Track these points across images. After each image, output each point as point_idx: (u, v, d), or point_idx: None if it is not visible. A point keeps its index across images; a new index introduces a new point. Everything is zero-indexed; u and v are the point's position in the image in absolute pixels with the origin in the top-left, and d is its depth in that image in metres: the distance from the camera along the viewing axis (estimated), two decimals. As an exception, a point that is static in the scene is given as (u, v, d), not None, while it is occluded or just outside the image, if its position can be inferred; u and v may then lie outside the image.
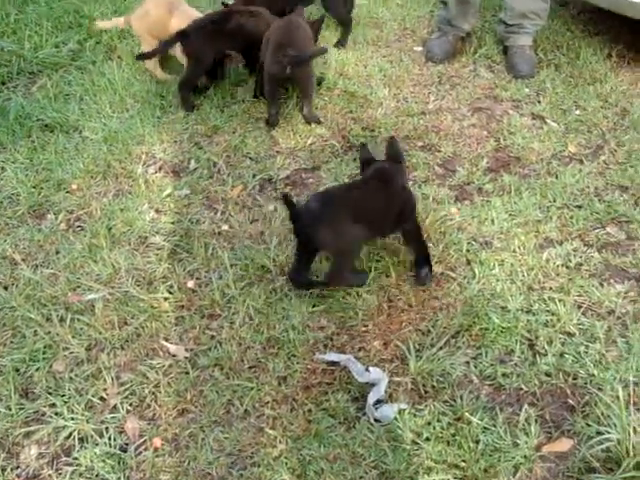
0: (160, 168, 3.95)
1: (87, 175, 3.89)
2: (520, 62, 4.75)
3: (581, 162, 3.92)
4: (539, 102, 4.45)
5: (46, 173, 3.93)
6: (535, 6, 4.73)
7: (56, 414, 2.71)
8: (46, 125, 4.33)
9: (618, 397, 2.55)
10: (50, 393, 2.79)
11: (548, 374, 2.77)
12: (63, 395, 2.78)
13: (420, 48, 5.08)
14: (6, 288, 3.25)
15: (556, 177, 3.79)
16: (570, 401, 2.68)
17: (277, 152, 4.03)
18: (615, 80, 4.64)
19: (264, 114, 4.28)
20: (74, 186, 3.83)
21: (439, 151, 3.99)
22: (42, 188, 3.84)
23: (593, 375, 2.74)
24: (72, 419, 2.68)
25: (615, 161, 3.92)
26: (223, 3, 4.87)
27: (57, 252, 3.44)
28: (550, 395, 2.71)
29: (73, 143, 4.16)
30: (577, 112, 4.35)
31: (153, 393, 2.77)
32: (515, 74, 4.73)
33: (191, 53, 4.35)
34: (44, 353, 2.94)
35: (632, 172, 3.81)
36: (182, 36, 4.24)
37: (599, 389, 2.68)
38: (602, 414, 2.57)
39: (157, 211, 3.65)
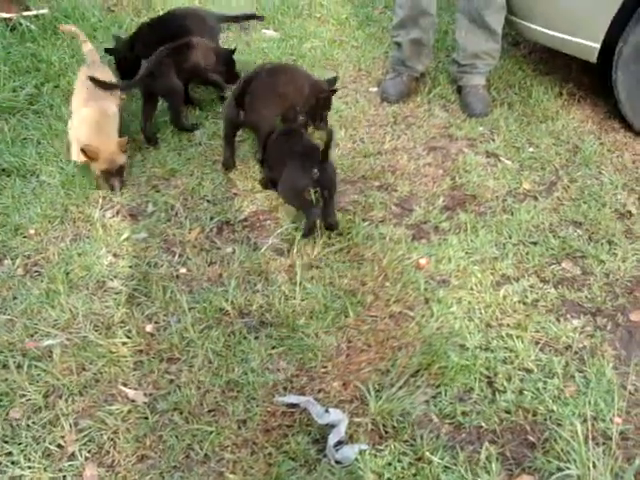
0: (118, 212, 3.94)
1: (45, 220, 3.86)
2: (474, 101, 4.84)
3: (535, 199, 3.99)
4: (493, 140, 4.52)
5: (3, 218, 3.89)
6: (487, 47, 4.81)
7: (12, 463, 2.66)
8: (3, 169, 4.30)
9: (577, 432, 2.58)
10: (6, 441, 2.74)
11: (508, 411, 2.79)
12: (20, 443, 2.73)
13: (375, 89, 5.14)
14: (-38, 335, 3.22)
15: (511, 214, 3.85)
16: (530, 438, 2.70)
17: (235, 194, 4.04)
18: (566, 118, 4.74)
19: (221, 157, 4.29)
20: (31, 231, 3.80)
21: (395, 190, 4.03)
22: (-1, 233, 3.81)
23: (552, 411, 2.77)
24: (29, 468, 2.64)
25: (569, 197, 3.99)
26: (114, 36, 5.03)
27: (14, 297, 3.41)
28: (510, 432, 2.73)
29: (30, 187, 4.13)
30: (530, 149, 4.43)
31: (112, 439, 2.74)
32: (469, 113, 4.81)
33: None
34: (0, 400, 2.89)
35: (585, 208, 3.88)
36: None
37: (558, 425, 2.71)
38: (562, 450, 2.60)
39: (115, 255, 3.63)
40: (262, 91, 4.04)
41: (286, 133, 3.99)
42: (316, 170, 3.51)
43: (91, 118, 4.15)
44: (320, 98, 4.33)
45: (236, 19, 5.70)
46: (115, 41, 5.11)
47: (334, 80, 4.50)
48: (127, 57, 4.93)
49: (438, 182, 4.11)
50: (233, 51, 4.81)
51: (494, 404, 2.82)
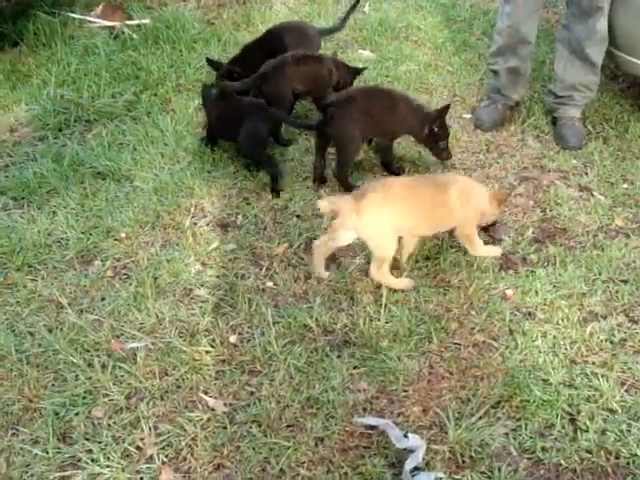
0: (208, 222, 4.00)
1: (136, 224, 3.94)
2: (569, 134, 4.77)
3: (627, 236, 3.90)
4: (586, 174, 4.44)
5: (96, 220, 4.00)
6: (585, 79, 4.75)
7: (92, 460, 2.73)
8: (99, 173, 4.42)
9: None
10: (87, 439, 2.82)
11: (589, 451, 2.73)
12: (100, 442, 2.80)
13: (469, 115, 5.11)
14: (50, 331, 3.30)
15: (602, 250, 3.77)
16: (611, 480, 2.64)
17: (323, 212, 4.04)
18: (664, 155, 4.63)
19: (311, 173, 4.34)
20: (122, 234, 3.89)
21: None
22: (91, 234, 3.90)
23: (636, 455, 2.70)
24: (108, 467, 2.70)
25: (662, 237, 3.90)
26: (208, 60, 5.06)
27: (102, 298, 3.49)
28: (591, 473, 2.67)
29: (124, 192, 4.23)
30: (625, 186, 4.34)
31: (190, 446, 2.78)
32: (563, 145, 4.74)
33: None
34: (84, 398, 2.97)
35: (679, 248, 3.79)
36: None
37: (642, 470, 2.65)
38: (644, 496, 2.54)
39: (203, 264, 3.69)
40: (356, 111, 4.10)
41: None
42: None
43: None
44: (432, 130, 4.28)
45: (335, 29, 5.67)
46: (210, 64, 5.15)
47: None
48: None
49: (528, 213, 4.06)
50: (362, 70, 4.92)
51: (575, 442, 2.77)
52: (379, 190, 3.43)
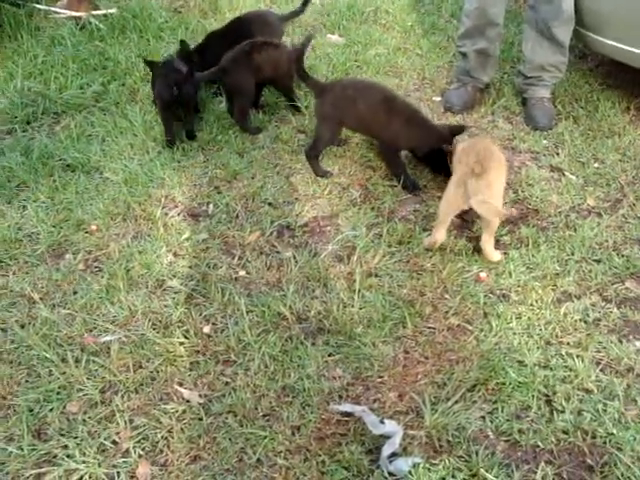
0: (179, 212, 3.97)
1: (107, 216, 3.91)
2: (539, 114, 4.78)
3: (600, 215, 3.91)
4: (557, 154, 4.45)
5: (66, 213, 3.95)
6: (554, 59, 4.75)
7: (68, 456, 2.70)
8: (68, 165, 4.37)
9: (639, 458, 2.53)
10: (63, 435, 2.79)
11: (565, 431, 2.74)
12: (76, 437, 2.78)
13: (439, 98, 5.10)
14: (23, 327, 3.26)
15: (574, 230, 3.78)
16: (588, 460, 2.65)
17: (296, 199, 4.04)
18: (634, 133, 4.64)
19: (282, 161, 4.33)
20: (93, 227, 3.85)
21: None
22: (62, 227, 3.86)
23: (612, 434, 2.71)
24: (84, 462, 2.67)
25: (634, 215, 3.91)
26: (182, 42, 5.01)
27: (74, 292, 3.46)
28: (568, 453, 2.68)
29: (94, 184, 4.19)
30: (595, 165, 4.35)
31: (166, 438, 2.76)
32: (534, 126, 4.75)
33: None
34: (58, 394, 2.94)
35: (651, 226, 3.81)
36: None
37: (618, 449, 2.66)
38: (622, 475, 2.56)
39: (175, 254, 3.66)
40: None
41: None
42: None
43: None
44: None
45: (296, 13, 5.59)
46: (181, 46, 5.09)
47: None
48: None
49: (500, 195, 4.06)
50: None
51: (552, 424, 2.78)
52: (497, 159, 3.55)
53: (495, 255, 3.55)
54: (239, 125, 4.67)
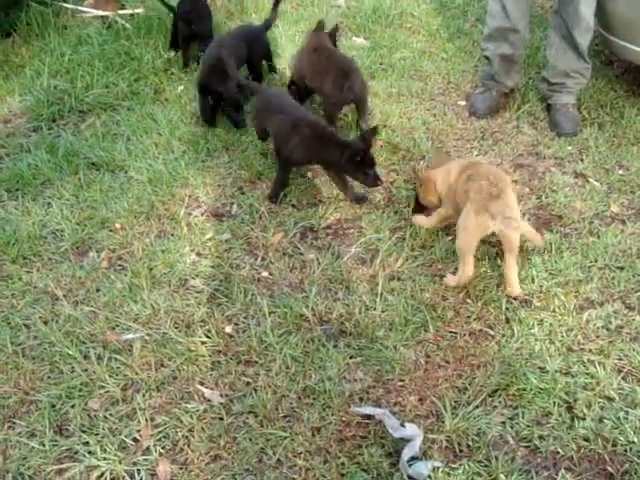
0: (203, 211, 3.99)
1: (130, 215, 3.93)
2: (563, 120, 4.76)
3: (623, 223, 3.90)
4: (582, 160, 4.44)
5: (91, 211, 3.99)
6: (578, 65, 4.73)
7: (89, 453, 2.73)
8: (93, 163, 4.41)
9: (659, 467, 2.52)
10: (84, 431, 2.81)
11: (586, 439, 2.73)
12: (97, 434, 2.80)
13: (464, 102, 5.10)
14: (46, 323, 3.29)
15: (598, 237, 3.76)
16: (609, 468, 2.64)
17: (319, 201, 4.06)
18: (659, 141, 4.62)
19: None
20: (117, 225, 3.88)
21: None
22: (86, 225, 3.89)
23: (633, 442, 2.70)
24: (104, 459, 2.70)
25: (658, 223, 3.89)
26: None
27: (97, 290, 3.48)
28: (588, 461, 2.67)
29: (118, 182, 4.22)
30: (620, 172, 4.33)
31: (186, 437, 2.78)
32: (558, 132, 4.73)
33: None
34: (80, 390, 2.97)
35: (675, 234, 3.79)
36: None
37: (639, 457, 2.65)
38: (642, 483, 2.54)
39: (198, 254, 3.68)
40: None
41: None
42: None
43: None
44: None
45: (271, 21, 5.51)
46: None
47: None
48: None
49: (524, 200, 4.04)
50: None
51: (572, 430, 2.77)
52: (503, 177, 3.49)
53: (517, 287, 3.43)
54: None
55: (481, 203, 3.31)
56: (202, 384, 2.99)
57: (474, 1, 6.74)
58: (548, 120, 4.87)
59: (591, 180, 4.24)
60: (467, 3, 6.71)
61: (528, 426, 2.79)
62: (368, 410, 2.82)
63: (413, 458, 2.64)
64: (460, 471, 2.61)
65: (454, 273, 3.49)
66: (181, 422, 2.82)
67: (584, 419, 2.80)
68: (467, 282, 3.43)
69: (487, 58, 4.96)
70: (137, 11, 6.27)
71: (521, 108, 4.98)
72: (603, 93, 5.15)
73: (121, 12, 6.25)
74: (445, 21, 6.34)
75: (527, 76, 5.34)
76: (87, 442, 2.76)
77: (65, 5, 6.37)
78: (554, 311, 3.30)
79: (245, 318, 3.29)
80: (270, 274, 3.55)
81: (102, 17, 6.19)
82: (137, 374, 3.02)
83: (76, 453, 2.74)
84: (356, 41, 5.95)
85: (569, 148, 4.57)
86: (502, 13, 4.69)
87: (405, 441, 2.68)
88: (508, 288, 3.40)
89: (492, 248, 3.67)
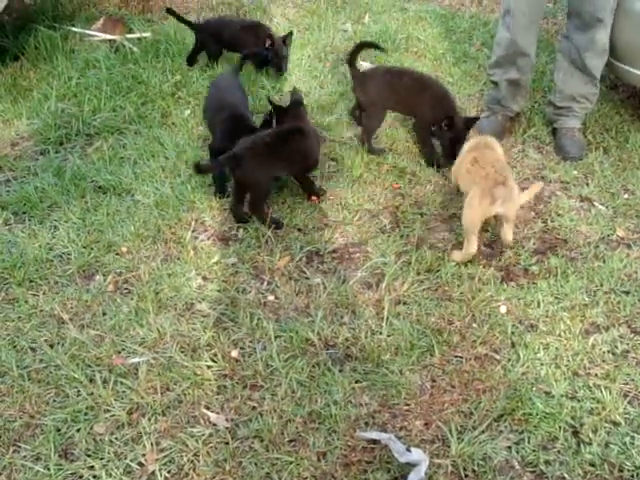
0: (209, 235, 4.00)
1: (137, 238, 3.94)
2: (569, 144, 4.78)
3: (629, 247, 3.90)
4: (587, 185, 4.45)
5: (97, 234, 3.99)
6: (585, 90, 4.76)
7: (94, 477, 2.72)
8: (100, 187, 4.42)
9: (665, 492, 2.51)
10: (89, 455, 2.80)
11: (592, 464, 2.72)
12: (102, 458, 2.79)
13: (470, 127, 5.11)
14: (52, 346, 3.29)
15: (603, 261, 3.77)
16: (616, 494, 2.63)
17: (325, 225, 4.06)
18: (665, 166, 4.63)
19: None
20: (124, 248, 3.88)
21: (486, 231, 3.99)
22: (92, 249, 3.89)
23: (640, 468, 2.69)
24: (110, 483, 2.69)
25: (663, 247, 3.90)
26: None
27: (104, 313, 3.48)
28: (594, 486, 2.66)
29: (125, 206, 4.23)
30: (625, 196, 4.35)
31: (192, 462, 2.77)
32: (564, 156, 4.75)
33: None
34: (86, 414, 2.96)
35: (680, 259, 3.78)
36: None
37: (646, 483, 2.64)
38: (648, 509, 2.53)
39: (204, 278, 3.68)
40: None
41: None
42: None
43: None
44: None
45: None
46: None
47: None
48: None
49: (530, 224, 4.06)
50: None
51: (578, 455, 2.76)
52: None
53: (511, 239, 3.85)
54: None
55: (486, 189, 3.66)
56: (208, 408, 2.98)
57: (480, 25, 6.79)
58: (554, 144, 4.89)
59: (597, 204, 4.25)
60: (473, 27, 6.75)
61: (534, 451, 2.78)
62: (374, 435, 2.81)
63: (419, 483, 2.63)
64: (466, 496, 2.60)
65: (460, 249, 3.71)
66: (187, 446, 2.81)
67: (590, 444, 2.79)
68: (470, 259, 3.75)
69: (494, 83, 4.99)
70: (144, 35, 6.31)
71: (527, 132, 5.00)
72: (608, 117, 5.17)
73: (129, 36, 6.30)
74: (451, 45, 6.38)
75: (533, 100, 5.37)
76: (92, 466, 2.75)
77: (73, 29, 6.42)
78: (560, 335, 3.30)
79: (251, 342, 3.29)
80: (276, 298, 3.55)
81: (110, 41, 6.24)
82: (143, 398, 3.01)
83: (81, 477, 2.72)
84: (362, 65, 5.97)
85: (575, 172, 4.58)
86: (511, 42, 4.72)
87: (411, 466, 2.67)
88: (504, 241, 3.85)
89: (497, 272, 3.68)
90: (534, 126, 5.07)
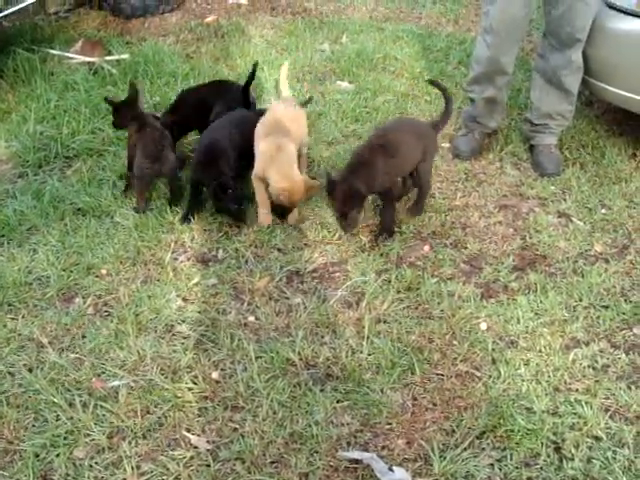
0: (189, 257, 3.99)
1: (117, 260, 3.92)
2: (546, 161, 4.81)
3: (607, 261, 3.93)
4: (565, 200, 4.48)
5: (76, 257, 3.97)
6: (561, 107, 4.81)
7: (75, 503, 2.69)
8: (79, 209, 4.39)
9: (649, 508, 2.52)
10: (69, 481, 2.77)
11: (575, 479, 2.72)
12: (82, 484, 2.76)
13: (447, 145, 5.13)
14: (31, 370, 3.26)
15: (582, 276, 3.80)
16: (598, 510, 2.63)
17: (305, 245, 4.06)
18: (640, 180, 4.67)
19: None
20: (103, 271, 3.87)
21: (465, 248, 4.02)
22: (72, 271, 3.87)
23: (622, 483, 2.69)
24: (91, 509, 2.67)
25: (641, 261, 3.92)
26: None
27: (83, 336, 3.46)
28: (577, 502, 2.67)
29: (104, 228, 4.21)
30: (603, 211, 4.38)
31: (173, 485, 2.75)
32: (541, 172, 4.78)
33: None
34: (65, 439, 2.93)
35: (658, 273, 3.81)
36: None
37: (628, 498, 2.64)
38: (632, 525, 2.54)
39: (184, 300, 3.67)
40: None
41: None
42: None
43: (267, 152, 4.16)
44: None
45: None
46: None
47: None
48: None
49: (508, 241, 4.08)
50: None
51: (561, 471, 2.77)
52: None
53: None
54: None
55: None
56: (189, 431, 2.96)
57: (456, 44, 6.83)
58: (531, 161, 4.92)
59: (574, 220, 4.29)
60: (449, 47, 6.79)
61: (517, 468, 2.78)
62: (356, 454, 2.81)
63: (402, 502, 2.63)
64: (449, 515, 2.60)
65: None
66: (168, 470, 2.79)
67: (572, 459, 2.80)
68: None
69: (470, 100, 5.02)
70: (123, 57, 6.31)
71: (504, 149, 5.04)
72: (584, 133, 5.22)
73: (108, 58, 6.30)
74: (428, 64, 6.42)
75: (509, 117, 5.41)
76: (73, 492, 2.74)
77: (52, 52, 6.40)
78: (540, 351, 3.32)
79: (232, 363, 3.27)
80: (256, 319, 3.54)
81: (88, 63, 6.23)
82: (123, 421, 2.99)
83: (61, 503, 2.70)
84: (340, 85, 6.01)
85: (552, 188, 4.62)
86: (491, 60, 4.73)
87: (394, 485, 2.67)
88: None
89: (477, 289, 3.69)
90: (511, 143, 5.11)
